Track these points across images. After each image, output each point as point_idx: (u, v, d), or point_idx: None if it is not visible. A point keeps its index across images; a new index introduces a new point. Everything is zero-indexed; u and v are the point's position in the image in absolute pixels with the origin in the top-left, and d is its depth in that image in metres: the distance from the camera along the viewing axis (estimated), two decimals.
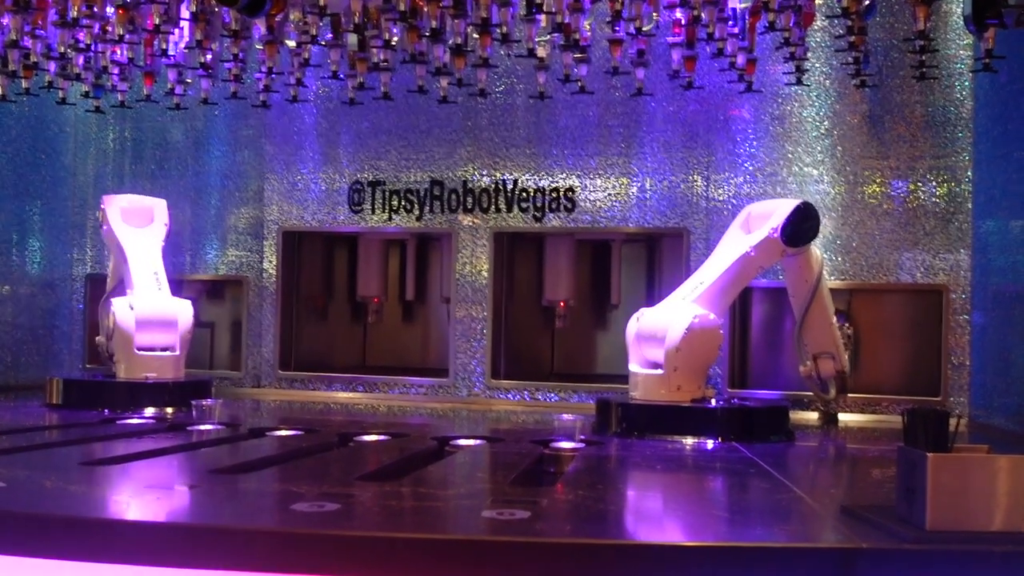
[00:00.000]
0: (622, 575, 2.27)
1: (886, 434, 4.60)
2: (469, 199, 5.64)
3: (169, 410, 4.65)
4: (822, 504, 2.79)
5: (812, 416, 4.94)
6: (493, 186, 5.62)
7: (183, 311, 4.93)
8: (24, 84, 4.98)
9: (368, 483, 3.04)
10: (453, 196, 5.67)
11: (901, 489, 2.48)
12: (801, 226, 4.44)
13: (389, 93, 4.79)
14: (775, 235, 4.38)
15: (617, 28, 4.30)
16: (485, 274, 5.61)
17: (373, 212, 5.79)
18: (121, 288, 4.98)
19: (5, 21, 4.39)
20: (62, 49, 4.61)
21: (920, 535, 2.32)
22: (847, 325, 4.90)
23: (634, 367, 4.32)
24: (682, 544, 2.39)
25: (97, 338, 4.98)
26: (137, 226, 5.12)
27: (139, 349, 4.82)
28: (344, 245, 6.21)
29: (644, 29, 4.23)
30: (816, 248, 4.63)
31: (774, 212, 4.46)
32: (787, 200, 4.64)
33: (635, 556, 2.30)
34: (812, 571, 2.28)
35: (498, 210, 5.61)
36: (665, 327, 4.19)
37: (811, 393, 4.86)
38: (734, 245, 4.47)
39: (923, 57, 4.46)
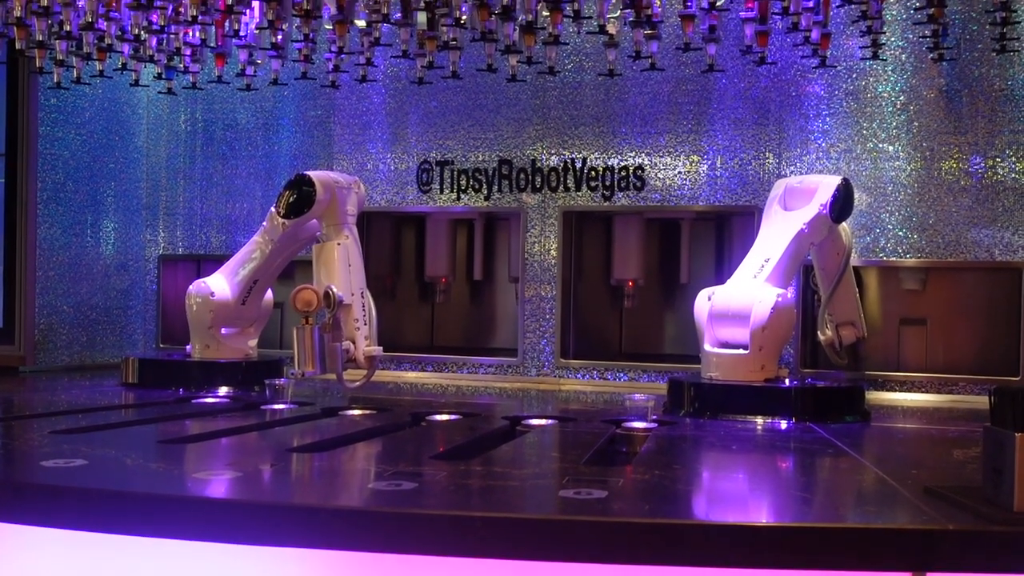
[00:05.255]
0: (703, 555, 2.25)
1: (964, 414, 4.54)
2: (537, 178, 5.62)
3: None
4: (904, 484, 2.75)
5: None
6: (562, 165, 5.59)
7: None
8: (98, 66, 5.04)
9: (442, 462, 3.04)
10: (521, 175, 5.65)
11: (987, 470, 2.43)
12: (844, 202, 4.51)
13: (458, 72, 4.78)
14: (825, 211, 4.42)
15: (689, 3, 4.25)
16: (554, 253, 5.59)
17: (441, 192, 5.79)
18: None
19: (81, 3, 4.44)
20: (136, 31, 4.65)
21: (1008, 516, 2.27)
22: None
23: (709, 347, 4.29)
24: (764, 525, 2.36)
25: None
26: None
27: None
28: (412, 225, 6.22)
29: (717, 4, 4.17)
30: (845, 223, 4.66)
31: (816, 188, 4.49)
32: (823, 176, 4.69)
33: (716, 536, 2.28)
34: (897, 553, 2.24)
35: (567, 189, 5.59)
36: (747, 306, 4.15)
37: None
38: (783, 223, 4.48)
39: (1004, 29, 4.37)
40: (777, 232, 4.43)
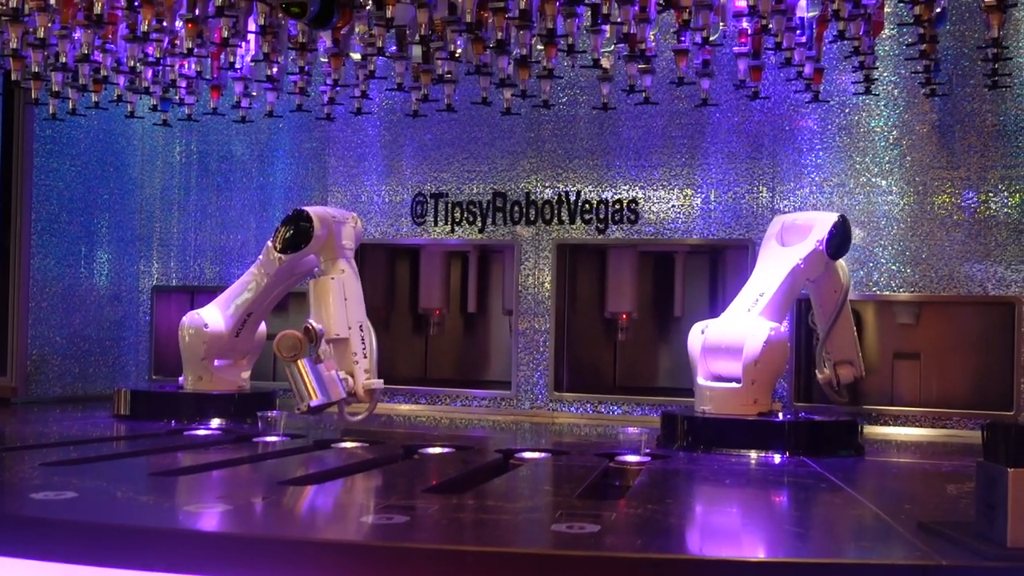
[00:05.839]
0: None
1: (958, 449, 4.53)
2: (531, 211, 5.63)
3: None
4: (898, 520, 2.74)
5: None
6: (556, 198, 5.61)
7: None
8: (94, 98, 5.05)
9: (435, 495, 3.03)
10: (515, 208, 5.66)
11: (980, 505, 2.42)
12: (841, 239, 4.51)
13: (453, 105, 4.80)
14: (821, 247, 4.42)
15: (683, 38, 4.28)
16: (548, 286, 5.59)
17: (435, 224, 5.80)
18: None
19: (77, 36, 4.45)
20: (131, 63, 4.67)
21: (1001, 552, 2.27)
22: None
23: (703, 380, 4.28)
24: (758, 560, 2.35)
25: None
26: None
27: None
28: (406, 257, 6.22)
29: (710, 39, 4.20)
30: (842, 261, 4.65)
31: (812, 225, 4.50)
32: (821, 212, 4.71)
33: (710, 572, 2.27)
34: None
35: (561, 222, 5.60)
36: (740, 340, 4.15)
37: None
38: (779, 258, 4.48)
39: (995, 65, 4.39)
40: (773, 267, 4.44)
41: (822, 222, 4.49)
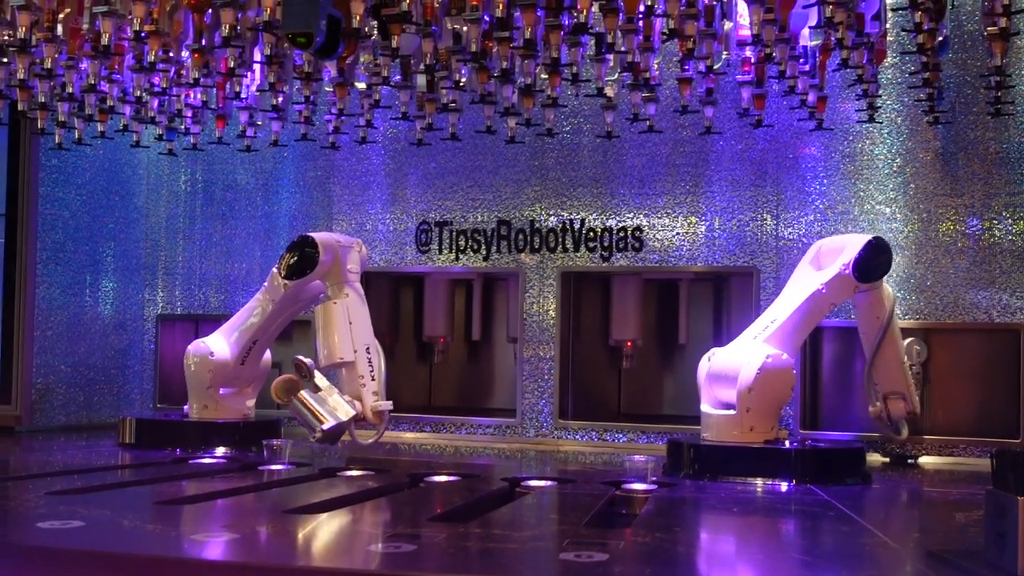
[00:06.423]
0: None
1: (965, 476, 4.51)
2: (536, 239, 5.64)
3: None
4: (907, 549, 2.73)
5: (879, 458, 4.86)
6: (560, 226, 5.62)
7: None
8: (100, 128, 5.08)
9: (441, 524, 3.02)
10: (520, 236, 5.67)
11: (990, 534, 2.41)
12: (873, 261, 4.41)
13: (457, 134, 4.82)
14: (847, 271, 4.35)
15: (687, 67, 4.30)
16: (552, 314, 5.59)
17: (440, 252, 5.81)
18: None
19: (83, 66, 4.48)
20: (137, 93, 4.69)
21: None
22: (914, 366, 4.82)
23: (706, 408, 4.27)
24: None
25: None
26: None
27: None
28: (411, 285, 6.23)
29: (714, 68, 4.22)
30: (888, 285, 4.58)
31: (845, 248, 4.43)
32: (858, 235, 4.62)
33: None
34: None
35: (565, 250, 5.60)
36: (737, 367, 4.14)
37: (879, 434, 4.82)
38: (805, 282, 4.43)
39: (998, 93, 4.40)
40: (795, 292, 4.39)
41: (853, 245, 4.40)
